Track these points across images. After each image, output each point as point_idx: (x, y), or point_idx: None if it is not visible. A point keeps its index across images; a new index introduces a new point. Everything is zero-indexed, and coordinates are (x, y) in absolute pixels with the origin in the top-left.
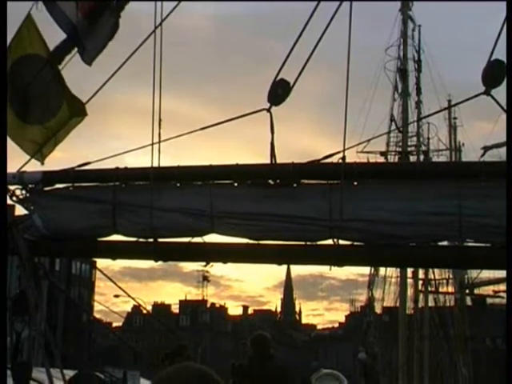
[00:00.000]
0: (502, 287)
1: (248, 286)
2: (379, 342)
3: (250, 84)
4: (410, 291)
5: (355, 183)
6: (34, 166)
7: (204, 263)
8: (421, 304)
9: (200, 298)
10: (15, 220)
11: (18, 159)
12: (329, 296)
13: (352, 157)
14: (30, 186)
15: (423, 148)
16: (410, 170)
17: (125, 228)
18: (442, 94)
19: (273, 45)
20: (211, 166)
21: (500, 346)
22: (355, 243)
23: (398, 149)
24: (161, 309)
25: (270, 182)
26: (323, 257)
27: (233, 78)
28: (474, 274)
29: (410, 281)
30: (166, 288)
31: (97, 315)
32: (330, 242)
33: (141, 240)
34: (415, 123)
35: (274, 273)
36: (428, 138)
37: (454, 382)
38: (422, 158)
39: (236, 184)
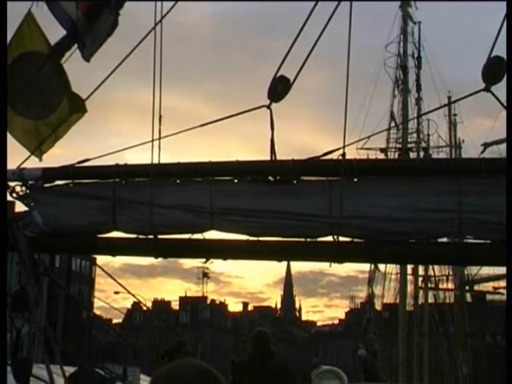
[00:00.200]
0: (502, 284)
1: (248, 282)
2: (379, 339)
3: (250, 81)
4: (409, 288)
5: (355, 180)
6: (34, 163)
7: (204, 260)
8: (421, 300)
9: (200, 294)
10: (15, 216)
11: (18, 156)
12: (329, 292)
13: (352, 153)
14: (30, 182)
15: (423, 145)
16: (409, 167)
17: (125, 225)
18: (442, 91)
19: (273, 41)
20: (211, 163)
21: (500, 343)
22: (355, 240)
23: (397, 145)
24: (161, 305)
25: (270, 178)
26: (323, 253)
27: (233, 74)
28: (473, 270)
29: (409, 277)
30: (166, 285)
31: (97, 312)
32: (329, 238)
33: (141, 237)
34: (415, 120)
35: (274, 269)
36: (428, 135)
37: (454, 379)
38: (421, 154)
39: (236, 180)
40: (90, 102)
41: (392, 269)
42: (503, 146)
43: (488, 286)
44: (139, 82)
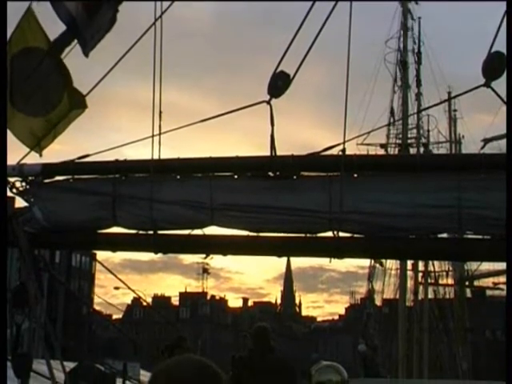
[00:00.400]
0: (502, 279)
1: (248, 278)
2: (379, 334)
3: (250, 76)
4: (409, 283)
5: (355, 175)
6: (34, 159)
7: (204, 255)
8: (420, 296)
9: (200, 290)
10: (15, 212)
11: (17, 151)
12: (329, 288)
13: (352, 149)
14: (30, 178)
15: (423, 140)
16: (409, 163)
17: (125, 220)
18: (442, 86)
19: (273, 37)
20: (211, 158)
21: (499, 338)
22: (355, 235)
23: (397, 141)
24: (161, 301)
25: (270, 174)
26: (323, 249)
27: (233, 70)
28: (473, 266)
29: (409, 273)
30: (166, 280)
31: (97, 307)
32: (329, 234)
33: (141, 232)
34: (415, 115)
35: (274, 265)
36: (428, 131)
37: (454, 374)
38: (421, 150)
39: (236, 176)
40: (90, 98)
41: (392, 264)
42: (503, 142)
43: (488, 282)
44: (139, 77)
